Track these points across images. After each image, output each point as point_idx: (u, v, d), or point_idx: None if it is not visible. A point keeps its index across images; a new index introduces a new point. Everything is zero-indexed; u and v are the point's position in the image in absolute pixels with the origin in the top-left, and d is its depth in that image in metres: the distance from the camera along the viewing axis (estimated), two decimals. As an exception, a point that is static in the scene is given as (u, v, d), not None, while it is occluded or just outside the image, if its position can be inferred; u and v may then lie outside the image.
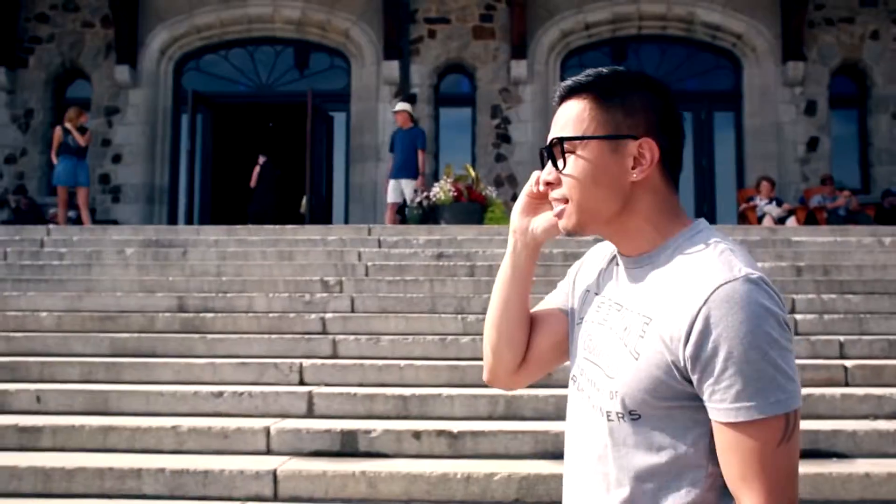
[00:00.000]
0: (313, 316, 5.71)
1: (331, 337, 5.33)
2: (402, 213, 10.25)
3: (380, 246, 7.51)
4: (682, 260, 1.12)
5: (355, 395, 4.61)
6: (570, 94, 1.20)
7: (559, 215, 1.20)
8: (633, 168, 1.15)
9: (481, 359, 4.18)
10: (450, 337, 5.35)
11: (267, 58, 13.65)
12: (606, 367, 1.17)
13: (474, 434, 4.15)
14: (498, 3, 13.02)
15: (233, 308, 6.05)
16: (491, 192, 9.72)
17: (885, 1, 12.41)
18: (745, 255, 1.10)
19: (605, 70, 1.19)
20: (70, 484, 3.90)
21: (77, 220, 11.68)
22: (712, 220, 11.24)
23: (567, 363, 1.34)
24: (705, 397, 1.06)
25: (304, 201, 12.37)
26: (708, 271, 1.07)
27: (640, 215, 1.17)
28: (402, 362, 5.02)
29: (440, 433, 4.15)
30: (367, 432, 4.20)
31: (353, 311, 5.92)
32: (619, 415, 1.14)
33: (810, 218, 10.36)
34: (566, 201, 1.18)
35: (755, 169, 12.37)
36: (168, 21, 13.33)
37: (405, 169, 9.82)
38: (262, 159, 12.46)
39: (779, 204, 10.37)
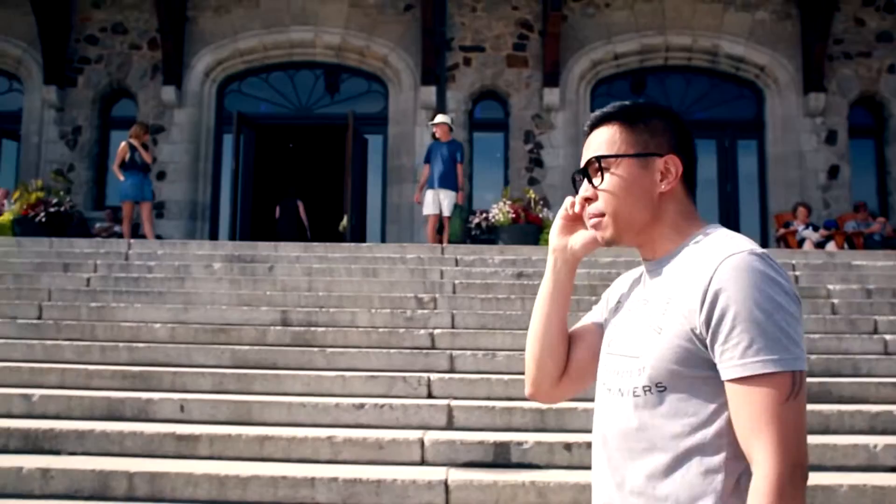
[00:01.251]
0: (421, 332, 6.15)
1: (447, 352, 5.77)
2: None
3: (457, 264, 7.98)
4: (695, 247, 1.28)
5: (493, 409, 5.00)
6: (599, 122, 1.39)
7: (596, 227, 1.37)
8: (661, 181, 1.33)
9: None
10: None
11: (306, 81, 14.14)
12: (629, 350, 1.31)
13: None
14: (531, 32, 13.59)
15: (336, 322, 6.48)
16: (548, 214, 10.20)
17: (900, 37, 13.13)
18: (752, 242, 1.24)
19: (627, 102, 1.39)
20: (244, 491, 4.22)
21: (122, 235, 12.09)
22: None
23: None
24: (717, 360, 1.18)
25: (343, 220, 12.84)
26: (717, 248, 1.23)
27: (666, 222, 1.34)
28: (488, 377, 5.47)
29: (591, 445, 4.60)
30: (520, 444, 4.57)
31: (453, 327, 6.38)
32: (646, 388, 1.26)
33: (848, 243, 10.93)
34: (602, 215, 1.35)
35: (778, 195, 12.98)
36: (213, 45, 13.80)
37: (445, 180, 9.95)
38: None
39: (815, 229, 10.95)
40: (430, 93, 13.31)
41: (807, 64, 13.03)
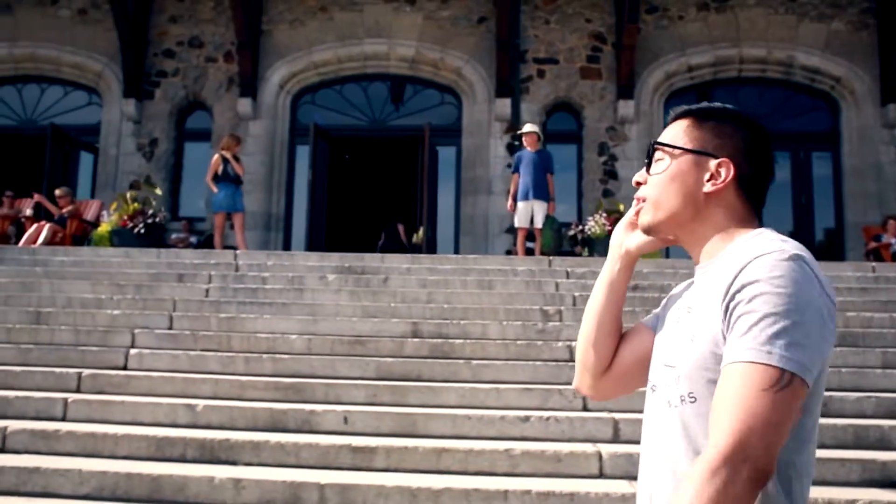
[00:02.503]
0: (559, 344, 6.18)
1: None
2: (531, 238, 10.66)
3: (568, 276, 8.01)
4: (736, 249, 1.23)
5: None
6: (679, 115, 1.38)
7: (640, 212, 1.38)
8: (708, 181, 1.30)
9: None
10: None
11: (379, 93, 14.26)
12: (669, 360, 1.29)
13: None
14: (604, 45, 13.64)
15: (468, 334, 6.51)
16: None
17: (979, 49, 13.02)
18: (797, 246, 1.18)
19: (714, 103, 1.38)
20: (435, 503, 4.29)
21: (199, 245, 12.25)
22: (814, 253, 11.72)
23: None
24: (727, 344, 1.14)
25: (420, 232, 12.92)
26: (752, 248, 1.18)
27: (711, 225, 1.30)
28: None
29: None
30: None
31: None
32: (682, 398, 1.22)
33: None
34: (645, 200, 1.36)
35: (856, 207, 12.91)
36: (288, 57, 13.96)
37: (538, 190, 9.91)
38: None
39: (906, 242, 10.91)
40: (504, 105, 13.37)
41: (884, 75, 12.97)
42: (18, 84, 14.64)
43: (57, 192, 11.19)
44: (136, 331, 6.43)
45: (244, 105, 13.67)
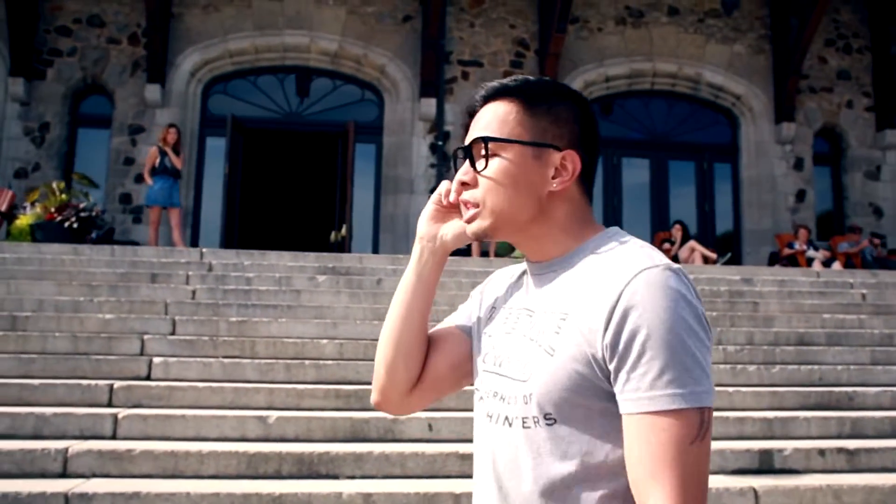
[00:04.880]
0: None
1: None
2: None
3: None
4: (597, 258, 1.10)
5: (727, 419, 5.20)
6: (495, 95, 1.17)
7: (471, 218, 1.17)
8: (554, 178, 1.14)
9: (796, 385, 5.11)
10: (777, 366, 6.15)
11: (297, 86, 13.71)
12: (516, 373, 1.11)
13: (868, 451, 4.89)
14: (527, 51, 13.86)
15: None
16: None
17: (857, 76, 14.42)
18: (663, 255, 1.07)
19: (532, 77, 1.19)
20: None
21: (98, 240, 11.27)
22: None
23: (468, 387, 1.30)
24: (618, 388, 1.01)
25: (342, 230, 12.56)
26: (627, 261, 1.05)
27: (554, 223, 1.15)
28: (731, 388, 5.68)
29: (839, 451, 4.86)
30: (781, 451, 4.81)
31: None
32: (535, 419, 1.07)
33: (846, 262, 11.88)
34: (479, 205, 1.16)
35: (752, 216, 13.90)
36: (201, 44, 13.13)
37: None
38: None
39: (815, 249, 11.83)
40: (430, 104, 13.26)
41: (778, 95, 14.05)
42: None
43: (-36, 179, 9.90)
44: (146, 337, 5.81)
45: (152, 91, 12.70)
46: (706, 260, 10.97)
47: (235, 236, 12.79)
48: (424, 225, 1.28)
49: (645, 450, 0.98)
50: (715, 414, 5.16)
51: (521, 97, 1.16)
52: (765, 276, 8.74)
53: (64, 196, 9.43)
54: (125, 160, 12.63)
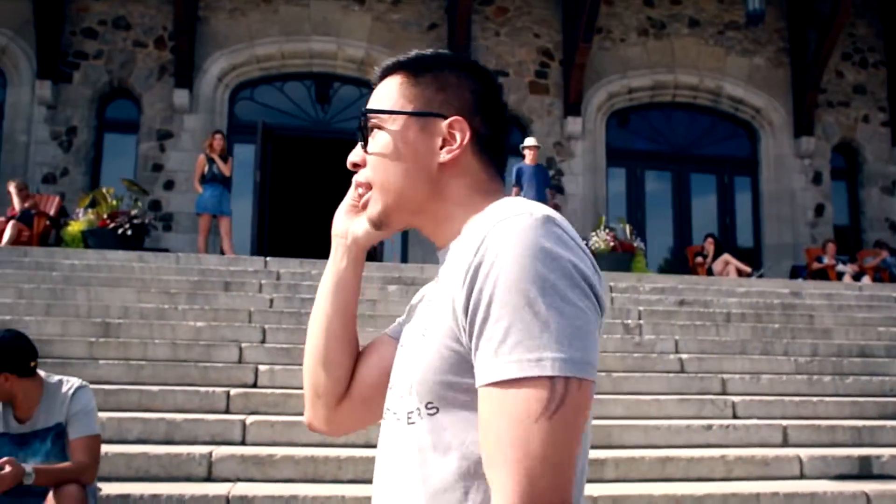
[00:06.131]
0: (672, 357, 6.34)
1: (717, 376, 6.07)
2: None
3: (612, 291, 8.17)
4: (476, 223, 0.98)
5: (819, 427, 5.35)
6: (386, 73, 1.11)
7: (365, 204, 1.10)
8: (441, 148, 1.05)
9: (870, 395, 5.31)
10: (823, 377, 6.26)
11: (324, 93, 13.72)
12: (401, 364, 1.03)
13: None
14: (551, 61, 13.99)
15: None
16: (640, 244, 10.58)
17: (872, 91, 14.73)
18: (543, 207, 0.93)
19: (423, 51, 1.12)
20: (699, 511, 4.31)
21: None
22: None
23: None
24: (474, 361, 0.88)
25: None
26: (491, 216, 0.93)
27: (451, 201, 1.05)
28: (814, 398, 5.83)
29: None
30: (878, 457, 4.95)
31: (677, 351, 6.58)
32: (418, 411, 0.96)
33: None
34: (370, 186, 1.08)
35: (772, 230, 14.12)
36: (228, 49, 13.10)
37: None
38: None
39: (844, 263, 12.05)
40: (456, 114, 13.31)
41: (797, 108, 14.31)
42: None
43: (13, 184, 9.77)
44: (243, 345, 5.82)
45: (181, 97, 12.64)
46: (740, 273, 11.14)
47: (265, 243, 12.76)
48: (339, 221, 1.18)
49: (487, 428, 0.84)
50: (805, 422, 5.32)
51: (407, 69, 1.09)
52: (811, 289, 8.92)
53: (115, 202, 9.35)
54: (154, 166, 12.55)
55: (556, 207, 13.39)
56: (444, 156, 1.04)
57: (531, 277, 0.84)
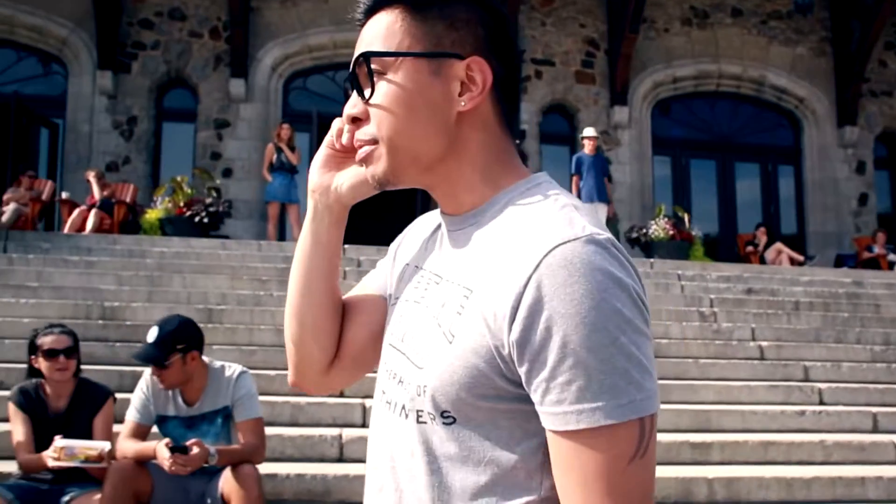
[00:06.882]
0: (751, 344, 6.56)
1: (799, 363, 6.27)
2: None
3: (679, 279, 8.38)
4: (512, 215, 0.90)
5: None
6: (377, 6, 0.95)
7: (366, 160, 0.95)
8: (461, 94, 0.92)
9: None
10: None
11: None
12: (415, 354, 0.93)
13: None
14: (597, 51, 14.14)
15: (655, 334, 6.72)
16: (697, 232, 10.78)
17: (916, 79, 14.85)
18: (591, 216, 0.88)
19: None
20: (809, 492, 4.49)
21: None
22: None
23: None
24: (536, 398, 0.82)
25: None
26: (543, 229, 0.85)
27: (467, 159, 0.94)
28: (864, 386, 6.03)
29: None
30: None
31: (753, 339, 6.80)
32: (431, 416, 0.89)
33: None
34: (375, 142, 0.94)
35: (816, 218, 14.27)
36: (281, 38, 13.33)
37: (600, 193, 10.33)
38: None
39: (894, 252, 12.21)
40: (506, 103, 13.50)
41: (840, 98, 14.41)
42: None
43: (92, 173, 10.07)
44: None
45: (237, 86, 12.90)
46: (792, 261, 11.32)
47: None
48: (316, 174, 1.05)
49: (574, 476, 0.80)
50: (893, 409, 5.52)
51: (406, 2, 0.93)
52: (871, 279, 9.10)
53: (190, 191, 9.64)
54: (212, 154, 12.83)
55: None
56: (465, 103, 0.92)
57: (609, 316, 0.79)
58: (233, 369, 3.77)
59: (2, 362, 5.54)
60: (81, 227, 9.25)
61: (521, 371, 0.82)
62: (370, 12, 0.96)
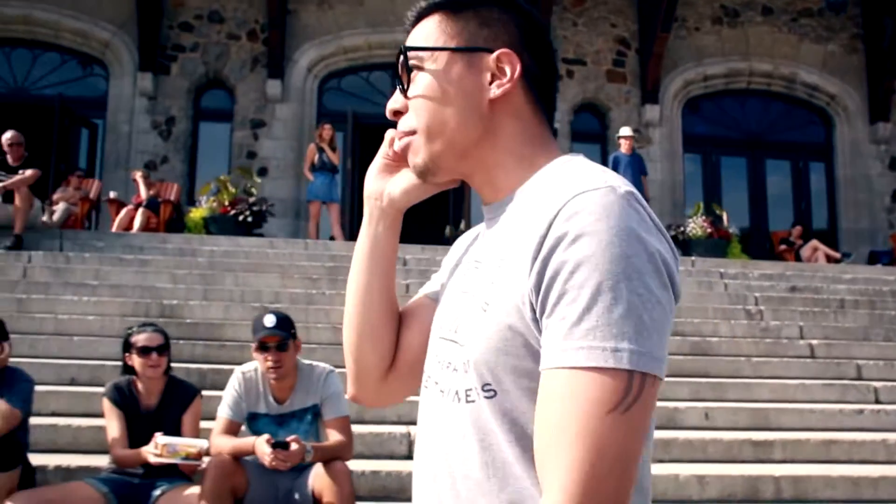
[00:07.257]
0: (801, 342, 6.64)
1: (851, 362, 6.35)
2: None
3: (721, 277, 8.45)
4: (540, 186, 0.93)
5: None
6: (422, 15, 1.04)
7: (407, 149, 1.01)
8: (491, 83, 0.98)
9: None
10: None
11: (406, 83, 14.05)
12: (454, 333, 0.95)
13: None
14: (628, 50, 14.21)
15: (700, 332, 6.79)
16: (735, 230, 10.84)
17: (948, 76, 14.78)
18: (620, 178, 0.88)
19: None
20: (875, 491, 4.56)
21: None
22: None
23: None
24: (542, 340, 0.82)
25: (462, 225, 12.93)
26: (567, 183, 0.87)
27: (502, 145, 0.99)
28: None
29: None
30: None
31: (802, 337, 6.86)
32: (476, 391, 0.89)
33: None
34: (414, 132, 1.00)
35: (848, 215, 14.28)
36: (316, 40, 13.49)
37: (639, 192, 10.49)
38: None
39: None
40: (538, 103, 13.60)
41: (872, 95, 14.41)
42: (6, 48, 13.17)
43: (139, 173, 10.28)
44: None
45: (273, 87, 13.08)
46: (829, 259, 11.35)
47: (349, 229, 13.17)
48: (371, 181, 1.10)
49: (550, 413, 0.79)
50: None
51: (445, 7, 1.01)
52: (914, 276, 9.15)
53: (234, 190, 9.82)
54: (248, 154, 13.01)
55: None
56: (494, 90, 0.97)
57: (615, 258, 0.78)
58: (321, 368, 3.89)
59: (72, 359, 5.68)
60: (129, 226, 9.46)
61: (541, 309, 0.82)
62: (417, 21, 1.05)
